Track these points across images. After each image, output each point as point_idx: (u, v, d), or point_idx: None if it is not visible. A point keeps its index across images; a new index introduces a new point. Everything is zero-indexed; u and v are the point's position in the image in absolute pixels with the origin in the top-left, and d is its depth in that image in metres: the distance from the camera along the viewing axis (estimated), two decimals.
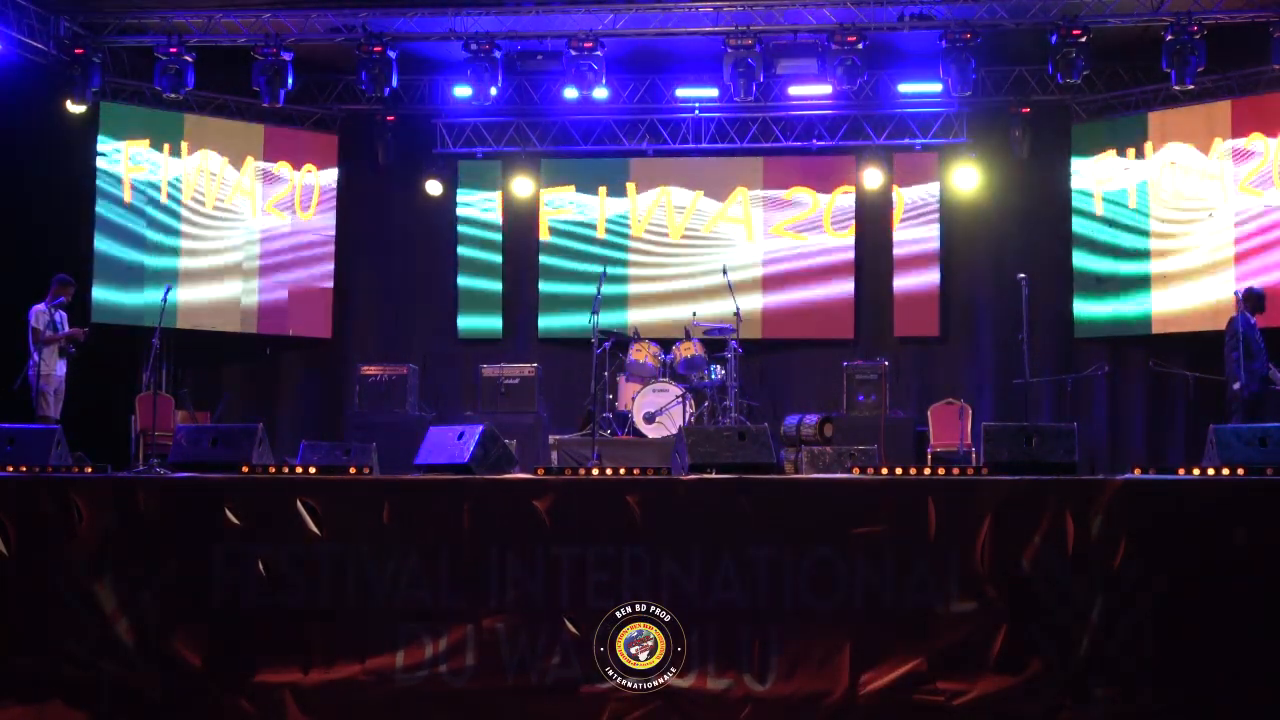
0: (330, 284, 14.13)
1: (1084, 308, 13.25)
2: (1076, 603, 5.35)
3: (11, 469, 6.26)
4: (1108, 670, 5.30)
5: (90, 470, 6.45)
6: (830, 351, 13.56)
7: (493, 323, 14.19)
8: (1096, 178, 13.20)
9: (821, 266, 13.89)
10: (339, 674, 5.63)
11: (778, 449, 9.91)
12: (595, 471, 6.46)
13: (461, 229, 14.26)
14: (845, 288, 13.86)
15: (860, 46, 11.59)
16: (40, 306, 10.54)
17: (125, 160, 13.09)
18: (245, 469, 6.23)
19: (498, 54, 11.94)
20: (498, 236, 14.23)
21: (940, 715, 5.35)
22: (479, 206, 14.26)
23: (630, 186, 14.17)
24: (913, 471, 5.94)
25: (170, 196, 13.34)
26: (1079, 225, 13.28)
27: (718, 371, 12.02)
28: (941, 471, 5.93)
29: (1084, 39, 11.25)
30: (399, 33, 12.10)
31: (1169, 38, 11.12)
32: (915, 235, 13.76)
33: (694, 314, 12.27)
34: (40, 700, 5.69)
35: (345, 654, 5.65)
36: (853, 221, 13.90)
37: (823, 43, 11.89)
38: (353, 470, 6.21)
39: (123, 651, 5.71)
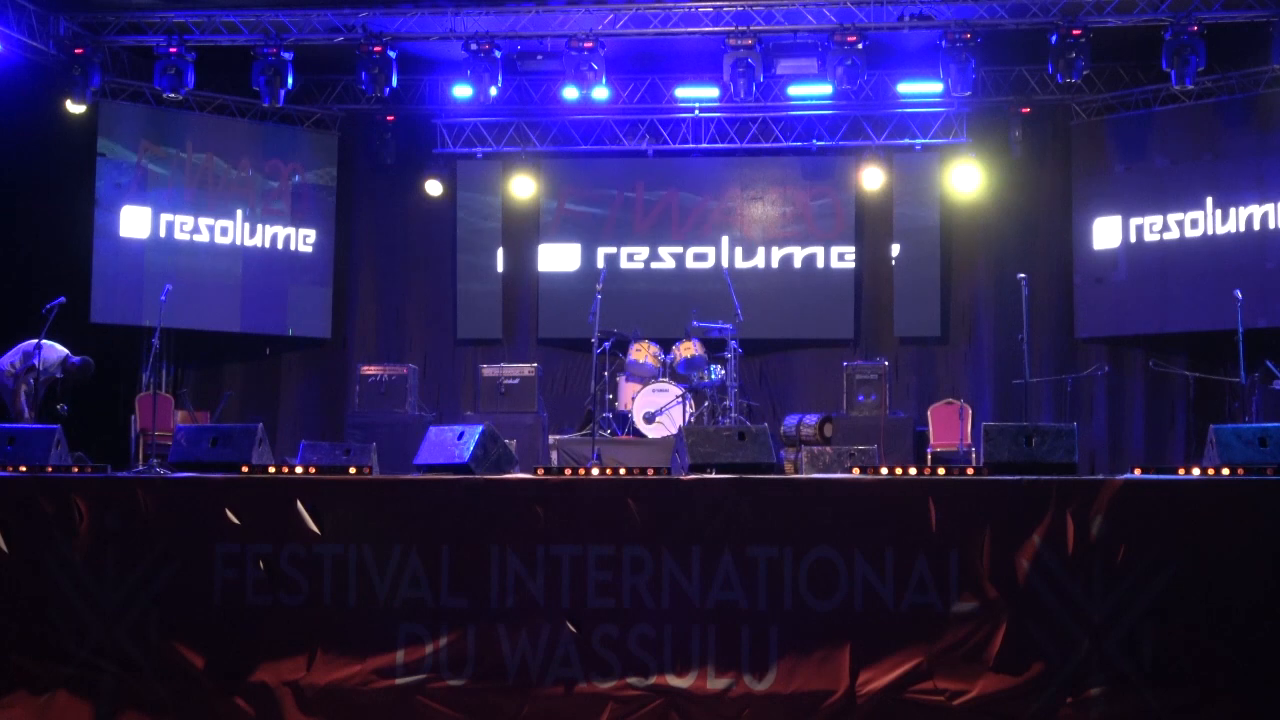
0: (330, 284, 14.12)
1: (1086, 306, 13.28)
2: (1076, 602, 5.35)
3: (11, 469, 6.26)
4: (1108, 670, 5.30)
5: (90, 470, 6.46)
6: (830, 351, 13.57)
7: (492, 322, 14.19)
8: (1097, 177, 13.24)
9: (821, 266, 13.89)
10: (339, 674, 5.64)
11: (778, 449, 9.91)
12: (595, 471, 6.46)
13: (461, 229, 14.25)
14: (845, 288, 13.86)
15: (860, 46, 11.58)
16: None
17: (125, 160, 13.08)
18: (245, 469, 6.22)
19: (497, 54, 11.93)
20: (498, 236, 14.23)
21: (940, 715, 5.35)
22: (479, 206, 14.26)
23: (630, 186, 14.16)
24: (913, 471, 5.94)
25: (170, 196, 13.33)
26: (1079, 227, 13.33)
27: (718, 371, 12.02)
28: (941, 471, 5.92)
29: (1084, 39, 11.24)
30: (399, 33, 12.10)
31: (1169, 37, 11.12)
32: (915, 235, 13.76)
33: (694, 314, 12.28)
34: (47, 690, 5.71)
35: (345, 654, 5.65)
36: (853, 221, 13.90)
37: (823, 43, 11.89)
38: (353, 470, 6.21)
39: (124, 651, 5.72)
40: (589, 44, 11.76)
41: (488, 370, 12.47)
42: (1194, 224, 12.64)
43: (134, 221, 13.12)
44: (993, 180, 13.53)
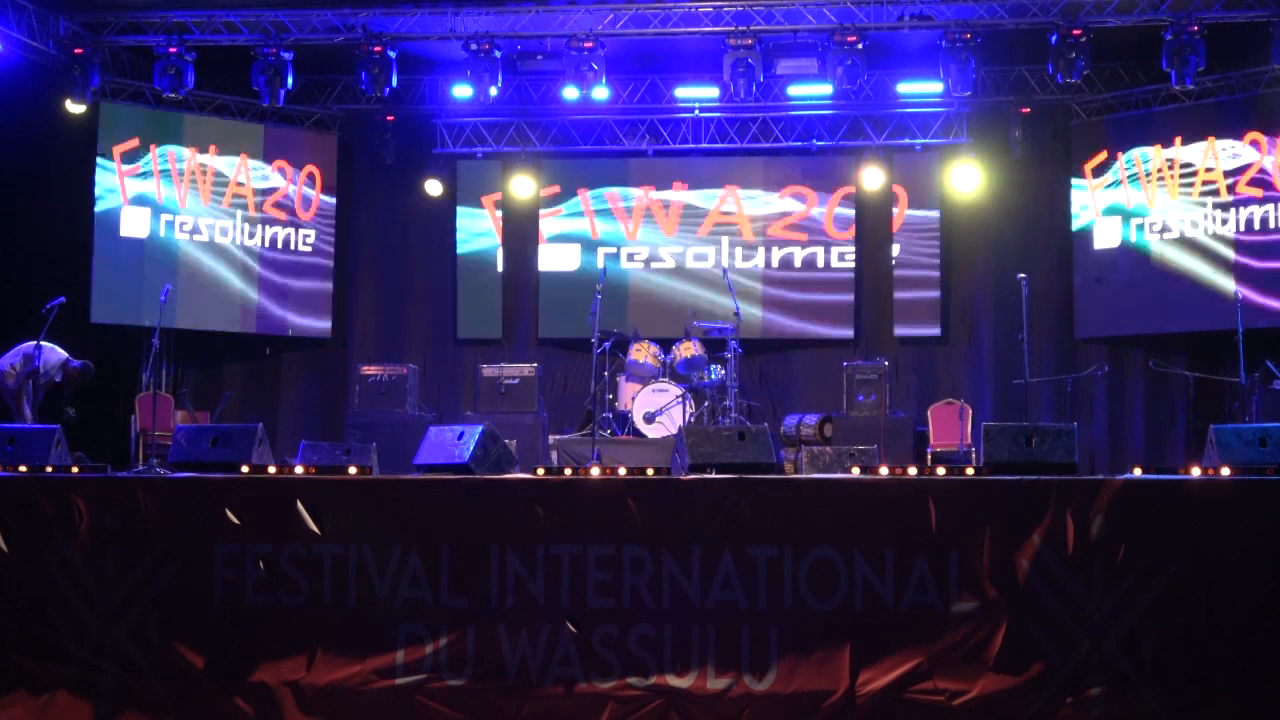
0: (330, 284, 14.12)
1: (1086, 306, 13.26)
2: (1076, 602, 5.35)
3: (11, 469, 6.26)
4: (1108, 670, 5.29)
5: (90, 470, 6.45)
6: (830, 351, 13.58)
7: (492, 322, 14.19)
8: (1097, 178, 13.22)
9: (821, 266, 13.90)
10: (339, 674, 5.63)
11: (778, 449, 9.91)
12: (595, 471, 6.45)
13: (461, 229, 14.25)
14: (845, 288, 13.86)
15: (860, 46, 11.58)
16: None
17: (125, 160, 13.09)
18: (245, 469, 6.23)
19: (498, 54, 11.93)
20: (497, 236, 14.23)
21: (940, 715, 5.35)
22: (479, 206, 14.26)
23: (630, 186, 14.16)
24: (913, 471, 5.94)
25: (169, 196, 13.33)
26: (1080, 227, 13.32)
27: (718, 371, 12.02)
28: (941, 471, 5.91)
29: (1084, 39, 11.24)
30: (399, 33, 12.10)
31: (1169, 37, 11.12)
32: (915, 235, 13.76)
33: (693, 314, 12.28)
34: (47, 690, 5.71)
35: (345, 654, 5.65)
36: (853, 222, 13.91)
37: (823, 43, 11.89)
38: (353, 470, 6.21)
39: (124, 651, 5.72)
40: (589, 44, 11.76)
41: (488, 370, 12.47)
42: (1194, 224, 12.64)
43: (134, 221, 13.12)
44: (993, 180, 13.54)
